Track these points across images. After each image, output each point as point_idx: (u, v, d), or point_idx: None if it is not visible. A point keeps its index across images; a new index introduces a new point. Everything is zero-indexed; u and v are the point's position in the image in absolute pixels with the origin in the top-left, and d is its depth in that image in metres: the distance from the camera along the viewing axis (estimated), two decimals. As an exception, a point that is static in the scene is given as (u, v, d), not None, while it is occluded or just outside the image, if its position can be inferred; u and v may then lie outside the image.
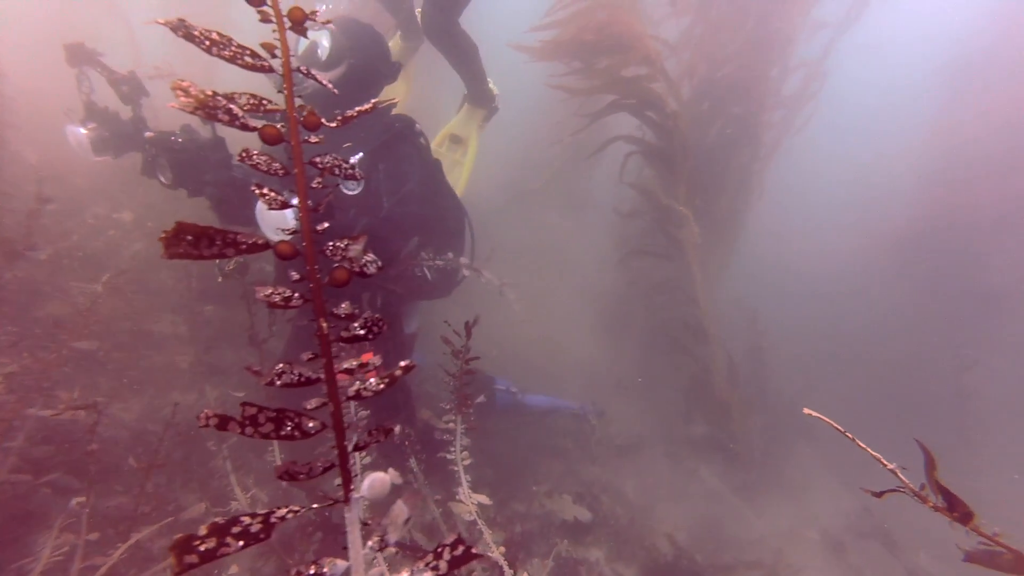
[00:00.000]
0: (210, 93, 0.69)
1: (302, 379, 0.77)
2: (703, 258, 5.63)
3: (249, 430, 0.74)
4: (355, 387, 0.81)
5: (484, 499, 1.87)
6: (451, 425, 1.88)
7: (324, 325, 0.78)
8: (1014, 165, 7.16)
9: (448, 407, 1.93)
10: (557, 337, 5.58)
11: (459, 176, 4.02)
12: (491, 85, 3.99)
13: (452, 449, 1.86)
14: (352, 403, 1.85)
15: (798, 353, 6.93)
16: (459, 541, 0.88)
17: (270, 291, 0.75)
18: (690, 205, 5.06)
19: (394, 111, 3.28)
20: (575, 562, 3.45)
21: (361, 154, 2.79)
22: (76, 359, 2.92)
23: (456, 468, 1.87)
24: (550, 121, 6.46)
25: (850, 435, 1.40)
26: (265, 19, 0.72)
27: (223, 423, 0.73)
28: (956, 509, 1.17)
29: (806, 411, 1.49)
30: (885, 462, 1.41)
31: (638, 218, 5.82)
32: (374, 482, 1.22)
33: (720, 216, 6.30)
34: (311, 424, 0.77)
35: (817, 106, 7.35)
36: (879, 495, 1.32)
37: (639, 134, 5.22)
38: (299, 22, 0.73)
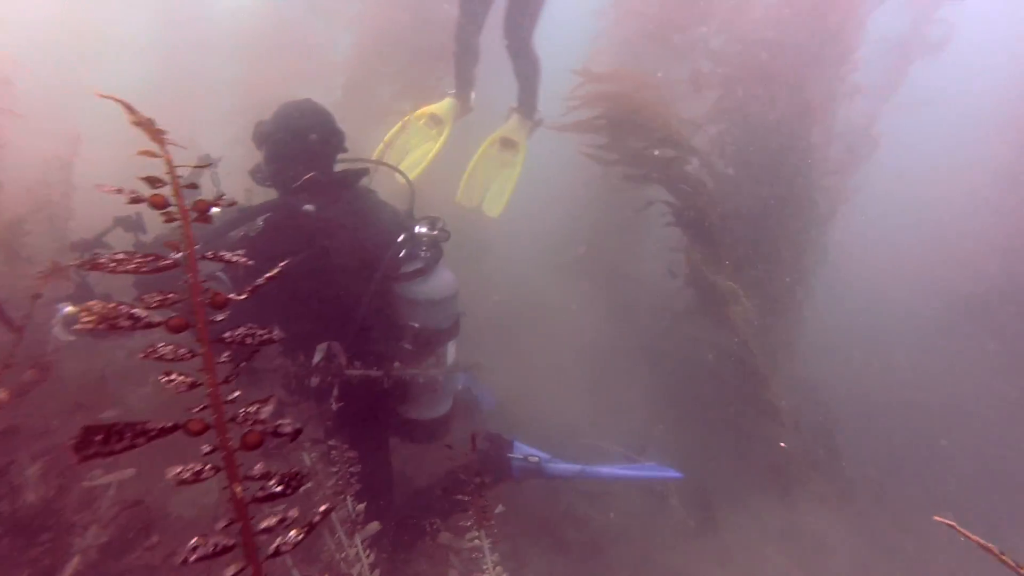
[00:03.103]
0: (111, 306, 0.74)
1: (218, 549, 0.75)
2: (763, 334, 5.35)
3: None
4: (274, 545, 0.80)
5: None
6: (476, 542, 1.79)
7: (239, 489, 0.78)
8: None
9: (469, 523, 1.84)
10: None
11: (511, 175, 4.49)
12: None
13: (485, 567, 1.76)
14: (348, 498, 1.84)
15: (871, 425, 6.40)
16: None
17: (179, 469, 0.76)
18: (739, 279, 4.92)
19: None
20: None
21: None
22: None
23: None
24: (591, 190, 6.52)
25: (981, 541, 1.18)
26: (169, 220, 0.78)
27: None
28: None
29: (937, 518, 1.30)
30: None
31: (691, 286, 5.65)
32: None
33: (778, 288, 6.05)
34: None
35: (872, 169, 7.17)
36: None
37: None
38: (203, 211, 0.79)
